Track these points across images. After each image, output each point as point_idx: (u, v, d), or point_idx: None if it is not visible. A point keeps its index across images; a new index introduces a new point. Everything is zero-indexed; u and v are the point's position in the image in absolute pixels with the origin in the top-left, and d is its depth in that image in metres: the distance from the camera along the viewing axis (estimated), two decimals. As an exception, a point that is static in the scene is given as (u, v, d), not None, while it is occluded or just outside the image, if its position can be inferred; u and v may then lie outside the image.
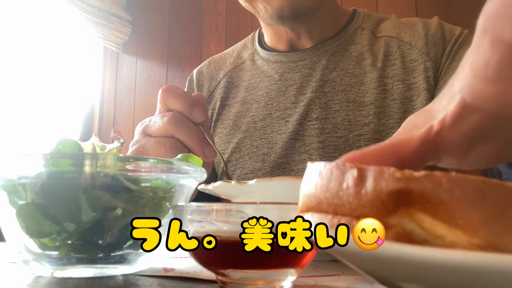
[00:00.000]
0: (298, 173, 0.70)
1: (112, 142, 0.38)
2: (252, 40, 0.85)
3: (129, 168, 0.29)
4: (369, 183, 0.16)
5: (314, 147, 0.69)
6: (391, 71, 0.70)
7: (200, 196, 0.52)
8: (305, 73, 0.74)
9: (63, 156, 0.29)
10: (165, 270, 0.32)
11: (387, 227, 0.15)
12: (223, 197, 0.48)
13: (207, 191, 0.46)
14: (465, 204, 0.14)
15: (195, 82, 0.85)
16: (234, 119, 0.77)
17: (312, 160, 0.69)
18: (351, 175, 0.17)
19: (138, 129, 0.50)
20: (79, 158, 0.29)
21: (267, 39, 0.82)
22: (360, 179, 0.16)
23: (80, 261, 0.30)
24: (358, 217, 0.16)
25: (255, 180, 0.40)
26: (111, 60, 2.22)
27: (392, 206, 0.15)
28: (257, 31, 0.86)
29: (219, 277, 0.25)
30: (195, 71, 0.88)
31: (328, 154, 0.68)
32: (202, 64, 0.88)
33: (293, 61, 0.76)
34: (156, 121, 0.48)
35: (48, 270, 0.30)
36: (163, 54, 2.16)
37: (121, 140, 0.38)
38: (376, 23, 0.77)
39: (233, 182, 0.41)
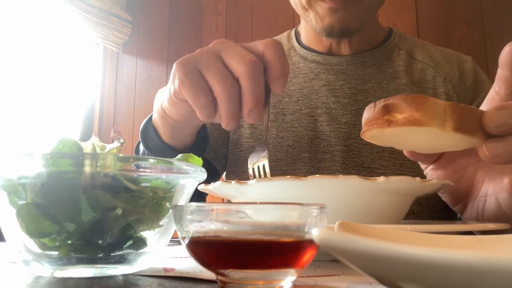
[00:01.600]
0: (319, 170, 0.71)
1: (112, 142, 0.38)
2: (288, 38, 0.87)
3: (129, 168, 0.29)
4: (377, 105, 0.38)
5: (338, 149, 0.71)
6: None
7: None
8: (340, 78, 0.76)
9: (63, 156, 0.29)
10: (165, 270, 0.32)
11: (384, 119, 0.37)
12: (222, 197, 0.48)
13: (207, 191, 0.46)
14: (405, 101, 0.36)
15: None
16: None
17: (335, 161, 0.71)
18: (372, 105, 0.39)
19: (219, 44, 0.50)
20: (79, 158, 0.29)
21: (305, 38, 0.84)
22: (374, 105, 0.38)
23: (80, 261, 0.30)
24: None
25: (255, 180, 0.40)
26: (111, 60, 2.22)
27: (384, 112, 0.37)
28: (293, 30, 0.88)
29: (219, 277, 0.25)
30: None
31: (351, 158, 0.71)
32: None
33: (330, 64, 0.78)
34: (238, 53, 0.46)
35: (48, 270, 0.30)
36: (163, 54, 2.16)
37: (121, 140, 0.38)
38: (413, 45, 0.81)
39: (233, 182, 0.41)
